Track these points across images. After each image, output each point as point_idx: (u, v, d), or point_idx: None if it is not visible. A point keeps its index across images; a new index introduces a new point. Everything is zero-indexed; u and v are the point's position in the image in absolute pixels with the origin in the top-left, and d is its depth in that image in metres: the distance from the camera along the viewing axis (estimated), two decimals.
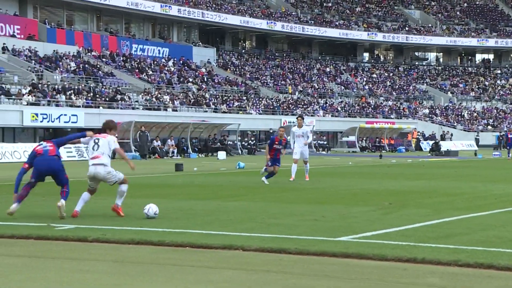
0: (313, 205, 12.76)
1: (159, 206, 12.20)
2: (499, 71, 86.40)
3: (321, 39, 77.87)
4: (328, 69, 77.46)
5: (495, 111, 76.12)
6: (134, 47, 60.29)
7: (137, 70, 56.05)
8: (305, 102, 64.22)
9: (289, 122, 53.48)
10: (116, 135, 11.45)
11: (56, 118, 39.94)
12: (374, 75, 79.98)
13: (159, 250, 7.97)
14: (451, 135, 64.63)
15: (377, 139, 55.18)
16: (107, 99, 46.07)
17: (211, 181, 19.83)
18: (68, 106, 42.59)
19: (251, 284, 6.27)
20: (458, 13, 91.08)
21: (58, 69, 49.24)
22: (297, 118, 20.16)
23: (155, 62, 59.80)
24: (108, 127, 11.17)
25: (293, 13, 78.31)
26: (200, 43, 68.56)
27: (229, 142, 44.34)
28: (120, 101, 46.65)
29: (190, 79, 59.05)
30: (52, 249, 8.16)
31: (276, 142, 17.81)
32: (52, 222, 10.02)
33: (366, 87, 75.56)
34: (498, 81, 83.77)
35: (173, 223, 10.04)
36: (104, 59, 55.54)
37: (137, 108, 47.40)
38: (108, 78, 51.46)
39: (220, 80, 62.04)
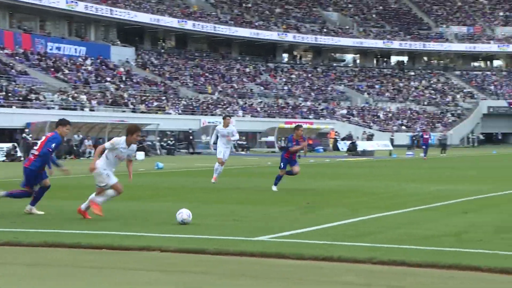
0: (234, 205, 12.80)
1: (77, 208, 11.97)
2: (412, 73, 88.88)
3: (240, 39, 78.12)
4: (247, 70, 77.79)
5: (409, 112, 78.26)
6: (49, 46, 58.85)
7: (52, 69, 54.77)
8: (225, 102, 64.30)
9: (208, 122, 53.45)
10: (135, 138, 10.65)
11: None
12: (293, 76, 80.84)
13: (75, 252, 7.80)
14: (371, 135, 65.90)
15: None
16: (20, 98, 44.83)
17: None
18: None
19: (169, 285, 6.24)
20: (374, 15, 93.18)
21: None
22: (224, 117, 19.10)
23: (72, 61, 58.59)
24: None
25: (213, 13, 78.29)
26: (119, 42, 67.62)
27: (147, 143, 43.94)
28: (34, 101, 45.49)
29: (108, 79, 58.17)
30: None
31: (294, 143, 16.32)
32: None
33: (285, 87, 76.29)
34: (412, 83, 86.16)
35: (90, 225, 9.87)
36: (17, 57, 54.00)
37: (53, 107, 46.30)
38: (21, 77, 50.07)
39: (139, 79, 61.37)
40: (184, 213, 9.85)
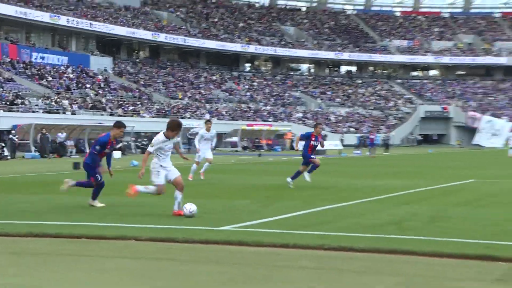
0: (201, 199, 12.73)
1: (59, 202, 11.83)
2: (360, 81, 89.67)
3: (207, 50, 77.95)
4: (214, 78, 77.63)
5: (356, 115, 78.93)
6: (34, 55, 57.96)
7: (37, 77, 53.93)
8: (194, 106, 64.05)
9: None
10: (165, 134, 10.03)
11: None
12: (255, 83, 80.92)
13: (56, 241, 7.69)
14: (324, 136, 66.19)
15: (257, 140, 55.85)
16: (8, 103, 44.06)
17: (106, 178, 19.32)
18: None
19: (143, 271, 6.19)
20: (326, 30, 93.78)
21: None
22: (206, 122, 18.54)
23: (55, 69, 57.77)
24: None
25: (183, 27, 77.96)
26: (98, 53, 66.89)
27: (124, 143, 43.55)
28: (20, 105, 44.75)
29: (88, 85, 57.49)
30: None
31: (313, 139, 15.63)
32: None
33: (248, 93, 76.34)
34: (359, 90, 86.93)
35: (70, 216, 9.74)
36: (4, 66, 53.05)
37: (37, 111, 45.61)
38: (8, 83, 49.21)
39: (116, 86, 60.78)
40: (193, 206, 9.65)
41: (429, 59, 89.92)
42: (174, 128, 10.00)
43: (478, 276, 5.97)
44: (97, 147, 10.90)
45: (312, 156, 15.48)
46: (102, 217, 9.70)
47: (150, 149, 10.07)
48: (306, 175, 15.48)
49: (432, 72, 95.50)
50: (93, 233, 8.03)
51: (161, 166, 10.04)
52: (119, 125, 11.10)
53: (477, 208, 11.24)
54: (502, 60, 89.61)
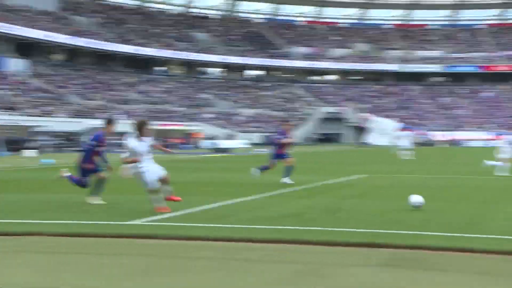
0: (113, 195, 12.39)
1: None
2: (266, 85, 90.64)
3: (123, 54, 76.39)
4: (129, 80, 76.18)
5: (263, 116, 79.73)
6: None
7: None
8: (109, 108, 62.59)
9: (95, 125, 51.77)
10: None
11: None
12: (168, 86, 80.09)
13: None
14: (233, 135, 66.33)
15: (168, 139, 55.26)
16: None
17: (18, 176, 18.52)
18: None
19: (53, 265, 5.94)
20: (236, 37, 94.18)
21: None
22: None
23: None
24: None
25: (101, 32, 76.03)
26: (16, 55, 64.06)
27: (40, 142, 41.97)
28: None
29: (5, 87, 54.93)
30: None
31: (285, 135, 15.30)
32: None
33: (162, 95, 75.44)
34: (266, 92, 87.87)
35: None
36: None
37: None
38: None
39: (33, 88, 58.42)
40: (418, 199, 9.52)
41: (328, 65, 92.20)
42: (139, 126, 9.61)
43: (365, 262, 6.12)
44: (94, 142, 10.50)
45: (273, 159, 15.07)
46: (12, 213, 9.24)
47: (127, 155, 9.61)
48: (255, 171, 14.91)
49: (331, 77, 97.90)
50: (3, 230, 7.62)
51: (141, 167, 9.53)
52: (111, 121, 10.94)
53: (368, 200, 11.55)
54: (392, 67, 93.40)
